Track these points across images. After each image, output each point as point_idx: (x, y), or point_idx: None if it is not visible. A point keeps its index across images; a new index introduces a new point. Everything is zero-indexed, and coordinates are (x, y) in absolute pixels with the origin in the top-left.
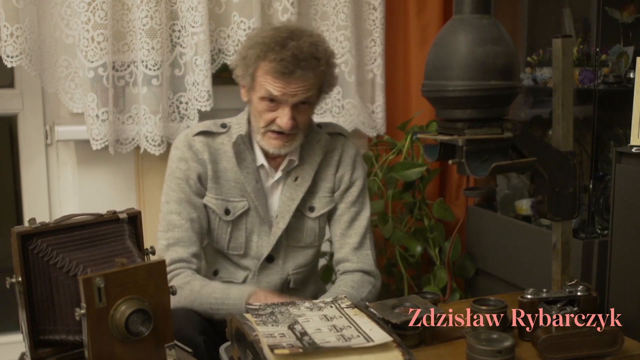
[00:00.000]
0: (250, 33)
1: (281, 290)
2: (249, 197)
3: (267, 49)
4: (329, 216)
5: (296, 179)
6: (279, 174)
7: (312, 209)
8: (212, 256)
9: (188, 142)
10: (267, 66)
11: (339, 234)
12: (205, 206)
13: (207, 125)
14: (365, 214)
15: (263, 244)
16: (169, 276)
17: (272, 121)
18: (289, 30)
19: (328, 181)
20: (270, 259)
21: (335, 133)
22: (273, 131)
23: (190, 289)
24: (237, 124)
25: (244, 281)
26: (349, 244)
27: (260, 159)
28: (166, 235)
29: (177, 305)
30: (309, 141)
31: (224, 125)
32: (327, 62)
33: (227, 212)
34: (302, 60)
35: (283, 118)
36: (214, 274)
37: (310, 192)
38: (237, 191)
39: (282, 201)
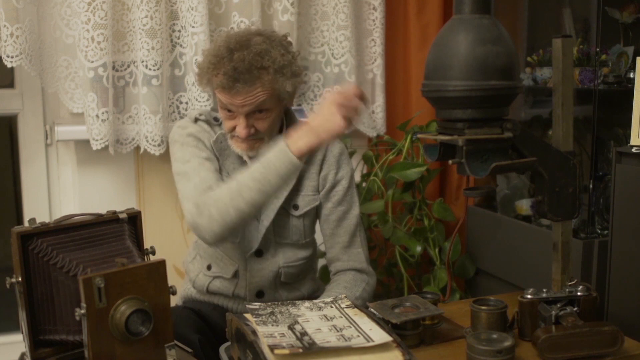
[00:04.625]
0: (214, 37)
1: (274, 284)
2: None
3: (215, 61)
4: (318, 216)
5: None
6: None
7: (296, 207)
8: (205, 251)
9: (191, 122)
10: (215, 79)
11: (328, 233)
12: None
13: (204, 112)
14: (354, 212)
15: (252, 238)
16: (208, 205)
17: (233, 128)
18: (240, 39)
19: (312, 180)
20: (259, 253)
21: None
22: (237, 136)
23: (227, 187)
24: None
25: (235, 275)
26: (339, 243)
27: (244, 156)
28: (195, 180)
29: (228, 210)
30: None
31: (216, 119)
32: (277, 69)
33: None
34: (243, 72)
35: (239, 127)
36: (207, 268)
37: (295, 191)
38: None
39: None
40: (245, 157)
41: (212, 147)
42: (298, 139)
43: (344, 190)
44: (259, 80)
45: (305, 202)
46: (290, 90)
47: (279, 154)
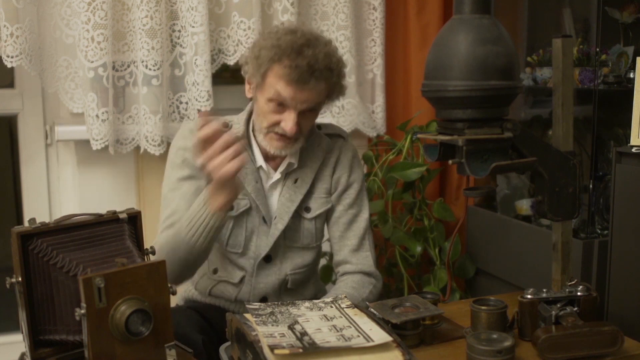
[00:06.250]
0: (264, 32)
1: (279, 291)
2: (250, 197)
3: (282, 53)
4: (327, 218)
5: (296, 180)
6: (277, 175)
7: (308, 210)
8: (214, 254)
9: (193, 132)
10: (280, 71)
11: (337, 236)
12: None
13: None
14: (364, 216)
15: (261, 244)
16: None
17: (277, 123)
18: (305, 37)
19: (325, 182)
20: (268, 258)
21: (334, 135)
22: (276, 132)
23: (165, 240)
24: (237, 124)
25: (241, 281)
26: (348, 245)
27: (259, 161)
28: (165, 213)
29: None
30: (311, 144)
31: (225, 124)
32: (338, 73)
33: (230, 207)
34: (317, 70)
35: (288, 122)
36: (213, 272)
37: (307, 193)
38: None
39: (281, 202)
40: (260, 162)
41: None
42: (211, 200)
43: (356, 193)
44: (327, 80)
45: (317, 204)
46: (343, 93)
47: (199, 206)
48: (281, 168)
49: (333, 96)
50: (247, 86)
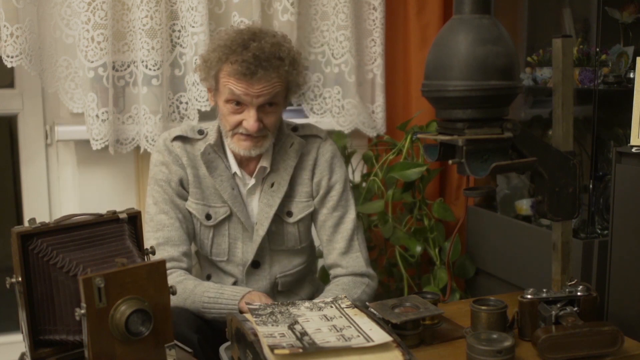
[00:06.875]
0: (213, 36)
1: (271, 294)
2: (228, 204)
3: (228, 51)
4: (314, 222)
5: (272, 185)
6: (252, 180)
7: (290, 214)
8: (205, 260)
9: (167, 146)
10: (229, 68)
11: (325, 239)
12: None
13: (184, 130)
14: (350, 217)
15: (248, 250)
16: None
17: (239, 124)
18: (251, 32)
19: (305, 185)
20: (255, 264)
21: (311, 135)
22: (241, 133)
23: (183, 288)
24: (211, 131)
25: (234, 285)
26: (337, 249)
27: (234, 167)
28: (155, 235)
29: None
30: (282, 146)
31: (200, 132)
32: (291, 61)
33: (208, 217)
34: (264, 60)
35: (249, 120)
36: (207, 278)
37: (288, 197)
38: (218, 197)
39: (260, 208)
40: (235, 168)
41: (189, 164)
42: (252, 300)
43: (339, 195)
44: (277, 69)
45: (299, 208)
46: (300, 84)
47: (231, 298)
48: (255, 173)
49: (292, 87)
50: (208, 94)
